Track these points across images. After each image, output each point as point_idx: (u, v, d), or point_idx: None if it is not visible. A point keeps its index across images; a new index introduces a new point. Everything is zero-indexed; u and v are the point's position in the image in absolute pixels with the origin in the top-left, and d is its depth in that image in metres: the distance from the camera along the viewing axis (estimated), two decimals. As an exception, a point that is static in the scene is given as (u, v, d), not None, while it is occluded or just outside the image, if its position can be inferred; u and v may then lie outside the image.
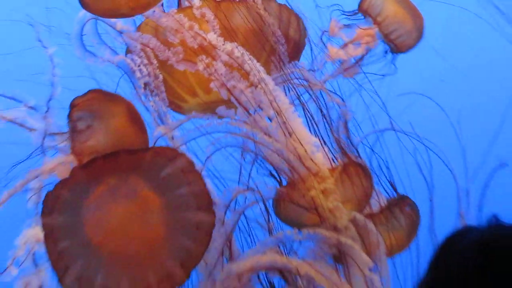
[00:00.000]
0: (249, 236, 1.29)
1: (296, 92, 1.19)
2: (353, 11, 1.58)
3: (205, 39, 1.07)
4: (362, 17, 1.60)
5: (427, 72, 1.67)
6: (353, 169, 1.31)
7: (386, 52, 1.61)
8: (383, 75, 1.52)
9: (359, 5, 1.58)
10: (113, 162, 1.29)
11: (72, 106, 1.13)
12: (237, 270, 1.24)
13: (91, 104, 1.16)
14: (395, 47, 1.60)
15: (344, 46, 1.52)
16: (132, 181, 1.28)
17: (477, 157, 1.37)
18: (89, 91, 1.19)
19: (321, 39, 1.50)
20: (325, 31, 1.51)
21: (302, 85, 1.23)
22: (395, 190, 1.55)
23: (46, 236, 1.16)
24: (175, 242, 1.23)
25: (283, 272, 1.37)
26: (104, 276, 1.20)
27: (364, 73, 1.51)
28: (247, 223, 1.41)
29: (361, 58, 1.57)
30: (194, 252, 1.23)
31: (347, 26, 1.57)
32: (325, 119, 1.21)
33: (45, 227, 1.17)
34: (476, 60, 1.89)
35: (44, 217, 1.19)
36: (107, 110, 1.21)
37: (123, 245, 1.24)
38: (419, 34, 1.64)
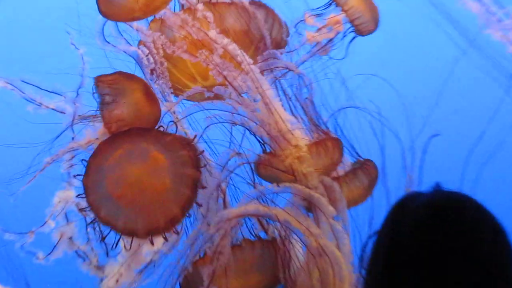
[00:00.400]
0: (239, 190, 1.63)
1: (276, 78, 1.50)
2: (326, 3, 1.89)
3: (207, 34, 1.36)
4: (333, 6, 1.92)
5: (379, 55, 1.98)
6: (324, 141, 1.63)
7: (346, 36, 1.93)
8: (342, 58, 1.84)
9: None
10: (127, 135, 1.61)
11: (98, 80, 1.42)
12: (227, 216, 1.57)
13: (115, 83, 1.46)
14: (358, 31, 1.91)
15: (319, 30, 1.83)
16: (143, 146, 1.62)
17: (418, 126, 1.70)
18: (113, 72, 1.48)
19: (296, 27, 1.82)
20: (301, 20, 1.82)
21: (281, 71, 1.55)
22: (359, 156, 1.88)
23: (84, 192, 1.52)
24: (177, 191, 1.58)
25: (259, 219, 1.69)
26: (124, 220, 1.55)
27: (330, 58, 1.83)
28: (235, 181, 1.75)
29: (332, 39, 1.88)
30: (190, 198, 1.57)
31: (319, 15, 1.89)
32: (299, 99, 1.53)
33: (83, 185, 1.53)
34: (416, 43, 2.21)
35: (83, 178, 1.54)
36: (128, 86, 1.52)
37: (138, 195, 1.59)
38: (377, 22, 1.96)
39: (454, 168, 1.64)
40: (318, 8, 1.85)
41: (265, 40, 1.44)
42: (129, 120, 1.48)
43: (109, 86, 1.41)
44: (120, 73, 1.49)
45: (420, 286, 1.15)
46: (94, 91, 1.41)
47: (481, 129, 1.59)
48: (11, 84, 1.42)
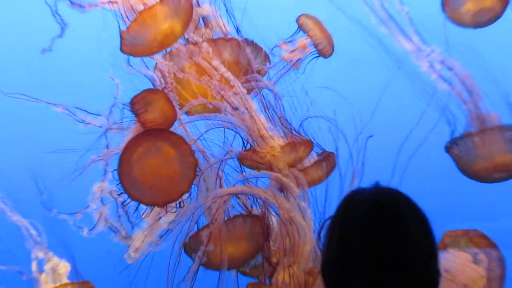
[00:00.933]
0: (230, 176, 2.19)
1: (260, 95, 2.06)
2: (295, 32, 2.41)
3: (210, 64, 1.89)
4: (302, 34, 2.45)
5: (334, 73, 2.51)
6: (294, 142, 2.17)
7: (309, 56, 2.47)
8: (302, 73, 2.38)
9: (298, 23, 2.42)
10: (146, 135, 2.14)
11: (132, 100, 1.98)
12: (221, 193, 2.14)
13: (144, 97, 1.99)
14: (321, 53, 2.45)
15: (292, 52, 2.37)
16: (158, 144, 2.16)
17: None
18: (141, 92, 2.02)
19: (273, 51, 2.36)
20: (277, 45, 2.35)
21: (262, 89, 2.11)
22: (323, 150, 2.43)
23: (119, 180, 2.08)
24: (185, 174, 2.16)
25: (240, 198, 2.24)
26: (148, 197, 2.12)
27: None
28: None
29: (300, 59, 2.42)
30: (193, 178, 2.15)
31: (291, 41, 2.42)
32: (275, 111, 2.08)
33: (118, 175, 2.08)
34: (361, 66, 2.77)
35: (117, 169, 2.10)
36: (153, 97, 2.06)
37: (157, 180, 2.16)
38: (333, 46, 2.50)
39: (386, 164, 2.21)
40: (290, 36, 2.41)
41: (251, 68, 1.98)
42: (158, 121, 2.03)
43: (140, 101, 1.95)
44: (146, 90, 2.04)
45: (365, 265, 1.42)
46: (130, 107, 1.94)
47: (406, 133, 2.17)
48: (67, 109, 1.98)
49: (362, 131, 2.15)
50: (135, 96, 1.98)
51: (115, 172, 2.01)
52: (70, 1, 2.02)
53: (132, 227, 2.17)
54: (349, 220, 1.50)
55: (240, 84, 1.91)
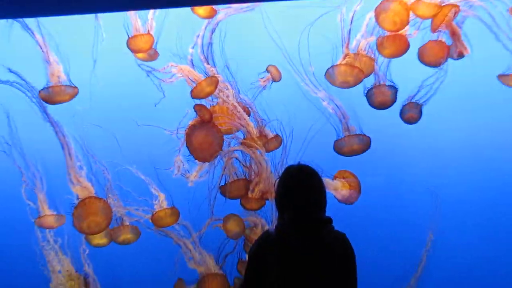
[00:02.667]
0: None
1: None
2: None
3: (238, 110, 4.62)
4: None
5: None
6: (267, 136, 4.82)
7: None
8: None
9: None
10: (200, 125, 4.65)
11: (195, 108, 4.46)
12: (227, 150, 4.62)
13: (200, 108, 4.47)
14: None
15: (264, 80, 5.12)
16: (206, 128, 4.54)
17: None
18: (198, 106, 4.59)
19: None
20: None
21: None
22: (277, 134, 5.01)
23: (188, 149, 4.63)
24: (217, 144, 4.44)
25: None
26: (201, 156, 4.41)
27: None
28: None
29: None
30: (220, 146, 4.47)
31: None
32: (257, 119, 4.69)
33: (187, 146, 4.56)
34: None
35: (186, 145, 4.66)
36: (204, 109, 4.52)
37: (203, 146, 4.42)
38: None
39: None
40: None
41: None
42: (206, 118, 4.44)
43: (199, 108, 4.46)
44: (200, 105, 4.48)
45: (291, 199, 3.00)
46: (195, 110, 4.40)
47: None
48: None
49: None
50: (197, 106, 4.36)
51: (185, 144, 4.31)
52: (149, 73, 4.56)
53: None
54: (284, 177, 3.13)
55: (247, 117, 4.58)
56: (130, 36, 4.55)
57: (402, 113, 4.79)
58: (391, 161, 5.38)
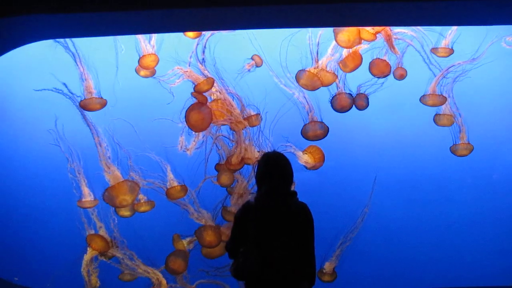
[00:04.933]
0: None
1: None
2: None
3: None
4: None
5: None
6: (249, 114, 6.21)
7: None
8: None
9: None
10: (195, 106, 6.03)
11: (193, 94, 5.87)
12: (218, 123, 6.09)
13: (197, 94, 5.96)
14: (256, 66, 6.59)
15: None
16: (199, 109, 5.85)
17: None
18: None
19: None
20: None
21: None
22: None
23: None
24: (208, 120, 5.71)
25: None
26: (197, 128, 5.65)
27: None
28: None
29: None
30: (210, 121, 5.84)
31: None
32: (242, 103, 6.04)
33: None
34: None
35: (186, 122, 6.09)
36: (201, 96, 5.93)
37: (198, 121, 5.65)
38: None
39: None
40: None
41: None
42: (202, 100, 5.82)
43: (197, 94, 5.80)
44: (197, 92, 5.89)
45: (266, 177, 3.93)
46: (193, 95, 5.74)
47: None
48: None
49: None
50: (194, 92, 5.48)
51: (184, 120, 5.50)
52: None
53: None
54: (262, 160, 4.03)
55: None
56: (140, 56, 5.89)
57: (354, 102, 6.20)
58: (343, 147, 6.72)
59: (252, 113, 5.76)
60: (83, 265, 5.84)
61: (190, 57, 5.92)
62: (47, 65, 6.07)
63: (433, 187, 6.81)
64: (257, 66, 5.87)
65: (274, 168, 3.79)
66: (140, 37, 5.90)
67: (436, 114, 6.18)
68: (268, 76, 5.79)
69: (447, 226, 6.68)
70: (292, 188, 3.97)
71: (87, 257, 5.88)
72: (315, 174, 6.12)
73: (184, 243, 5.95)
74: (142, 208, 5.82)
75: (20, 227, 6.67)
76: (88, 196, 5.71)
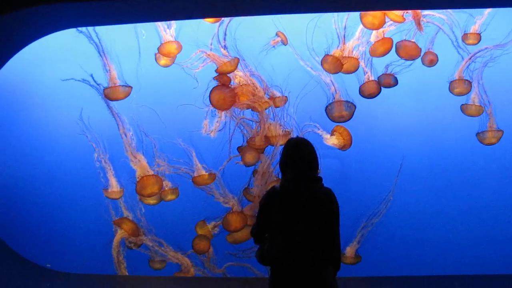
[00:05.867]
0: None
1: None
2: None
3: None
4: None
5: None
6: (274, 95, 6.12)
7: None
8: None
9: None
10: (218, 88, 6.05)
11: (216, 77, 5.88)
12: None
13: (221, 77, 5.86)
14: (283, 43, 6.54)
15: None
16: (222, 90, 5.86)
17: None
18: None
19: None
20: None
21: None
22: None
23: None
24: (229, 100, 5.76)
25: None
26: (221, 107, 5.78)
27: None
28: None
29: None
30: (232, 102, 6.02)
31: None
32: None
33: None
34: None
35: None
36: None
37: (221, 99, 5.77)
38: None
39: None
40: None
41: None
42: (225, 82, 5.82)
43: (220, 77, 5.75)
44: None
45: (291, 162, 3.84)
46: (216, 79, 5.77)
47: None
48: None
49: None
50: (217, 76, 5.64)
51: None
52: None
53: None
54: (287, 146, 3.94)
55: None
56: (161, 43, 5.91)
57: (380, 80, 6.11)
58: (368, 132, 6.63)
59: (277, 93, 5.72)
60: (113, 246, 5.97)
61: (212, 40, 5.95)
62: (70, 55, 6.11)
63: (458, 174, 6.67)
64: (282, 43, 5.75)
65: (299, 154, 3.76)
66: (160, 25, 5.89)
67: (463, 104, 6.04)
68: (292, 58, 5.73)
69: (472, 213, 6.53)
70: (318, 174, 3.87)
71: (117, 239, 6.01)
72: (340, 160, 6.05)
73: (209, 228, 5.98)
74: (169, 197, 5.90)
75: (50, 215, 6.79)
76: (114, 187, 5.72)
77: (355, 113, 5.70)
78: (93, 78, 5.52)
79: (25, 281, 5.37)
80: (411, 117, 6.72)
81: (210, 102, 5.62)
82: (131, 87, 5.67)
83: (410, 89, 6.23)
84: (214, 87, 5.66)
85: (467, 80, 5.88)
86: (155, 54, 5.78)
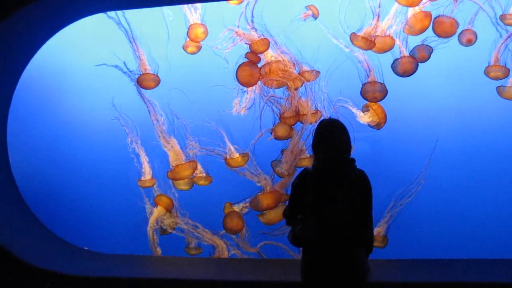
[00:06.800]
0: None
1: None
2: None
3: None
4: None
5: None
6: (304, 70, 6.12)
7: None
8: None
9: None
10: (245, 64, 5.99)
11: (247, 55, 5.85)
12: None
13: (251, 55, 5.91)
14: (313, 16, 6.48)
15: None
16: (249, 66, 5.85)
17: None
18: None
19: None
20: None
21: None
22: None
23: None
24: (256, 75, 5.75)
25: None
26: (249, 82, 5.77)
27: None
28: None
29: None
30: (258, 77, 5.95)
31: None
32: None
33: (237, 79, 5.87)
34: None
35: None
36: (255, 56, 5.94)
37: (248, 79, 5.76)
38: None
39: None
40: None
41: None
42: (254, 60, 5.79)
43: (250, 55, 5.82)
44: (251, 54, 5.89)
45: (324, 144, 3.84)
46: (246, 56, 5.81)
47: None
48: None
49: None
50: (248, 54, 5.58)
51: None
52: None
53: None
54: (319, 128, 3.91)
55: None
56: (188, 27, 5.91)
57: (413, 54, 5.87)
58: (401, 113, 6.53)
59: (307, 69, 5.66)
60: (149, 224, 6.02)
61: (238, 22, 5.90)
62: (101, 41, 6.16)
63: (492, 158, 6.55)
64: (313, 17, 5.63)
65: (331, 136, 3.74)
66: (186, 8, 5.89)
67: (499, 86, 5.76)
68: (323, 34, 5.64)
69: (505, 199, 6.49)
70: (350, 155, 3.86)
71: (153, 217, 6.02)
72: (372, 143, 5.98)
73: (237, 209, 6.03)
74: (201, 182, 5.95)
75: (87, 199, 6.90)
76: (148, 174, 5.80)
77: (388, 92, 5.57)
78: (125, 64, 5.53)
79: (64, 263, 5.50)
80: (446, 98, 6.58)
81: (237, 78, 5.58)
82: (159, 78, 5.72)
83: (445, 69, 6.05)
84: (241, 64, 5.63)
85: (503, 66, 5.63)
86: (184, 42, 5.74)
